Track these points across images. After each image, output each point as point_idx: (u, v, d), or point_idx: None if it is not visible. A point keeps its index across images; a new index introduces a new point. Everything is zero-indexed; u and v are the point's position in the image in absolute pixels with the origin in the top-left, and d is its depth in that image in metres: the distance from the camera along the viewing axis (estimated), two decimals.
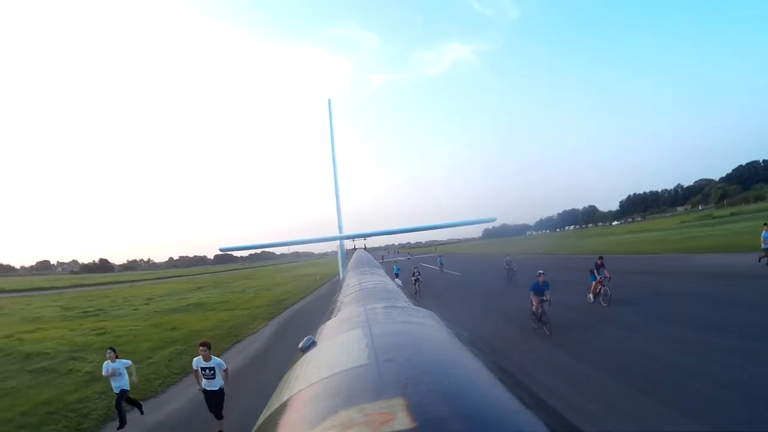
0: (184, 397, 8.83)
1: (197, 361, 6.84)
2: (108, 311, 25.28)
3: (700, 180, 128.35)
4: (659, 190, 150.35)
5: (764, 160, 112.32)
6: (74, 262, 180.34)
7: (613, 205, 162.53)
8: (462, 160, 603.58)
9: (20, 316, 25.86)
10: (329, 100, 8.00)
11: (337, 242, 7.31)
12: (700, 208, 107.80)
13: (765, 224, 16.73)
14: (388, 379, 0.61)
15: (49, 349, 12.94)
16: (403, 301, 1.71)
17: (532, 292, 10.79)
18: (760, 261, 16.56)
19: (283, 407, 0.68)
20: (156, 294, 36.26)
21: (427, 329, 1.05)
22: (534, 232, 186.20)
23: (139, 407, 7.87)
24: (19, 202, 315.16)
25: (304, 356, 1.01)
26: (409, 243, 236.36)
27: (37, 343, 13.80)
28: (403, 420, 0.46)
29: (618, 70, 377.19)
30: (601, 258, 13.13)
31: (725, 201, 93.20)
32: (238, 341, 14.13)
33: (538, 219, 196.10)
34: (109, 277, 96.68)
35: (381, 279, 2.97)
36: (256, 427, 0.72)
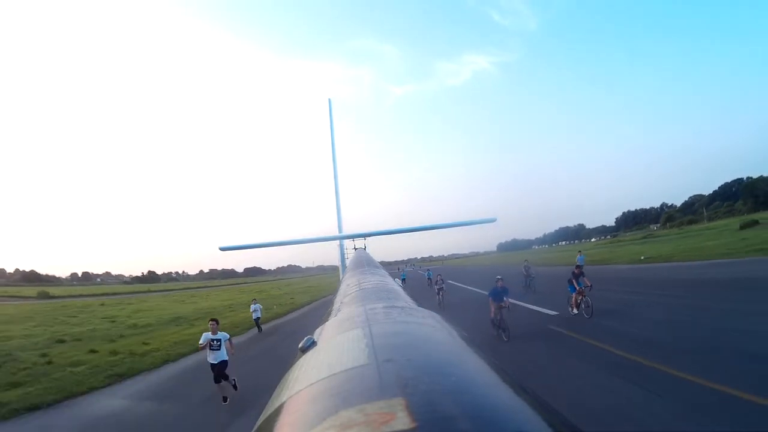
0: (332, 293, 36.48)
1: (206, 336, 8.14)
2: (264, 292, 52.46)
3: (693, 196, 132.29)
4: (648, 207, 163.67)
5: (748, 177, 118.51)
6: (107, 273, 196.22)
7: (611, 220, 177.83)
8: (470, 171, 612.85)
9: (226, 296, 53.84)
10: (329, 100, 8.31)
11: (338, 244, 7.42)
12: (653, 228, 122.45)
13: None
14: (388, 379, 0.61)
15: (284, 294, 41.05)
16: (403, 301, 1.70)
17: (490, 298, 10.92)
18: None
19: (283, 407, 0.69)
20: (270, 287, 62.54)
21: (427, 329, 1.05)
22: (536, 246, 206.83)
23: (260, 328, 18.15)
24: (27, 212, 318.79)
25: (304, 356, 1.02)
26: (431, 256, 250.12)
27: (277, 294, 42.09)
28: (403, 420, 0.46)
29: (630, 81, 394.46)
30: (578, 267, 12.91)
31: (668, 224, 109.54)
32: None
33: (542, 234, 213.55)
34: (190, 284, 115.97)
35: (381, 279, 2.99)
36: (256, 427, 0.72)
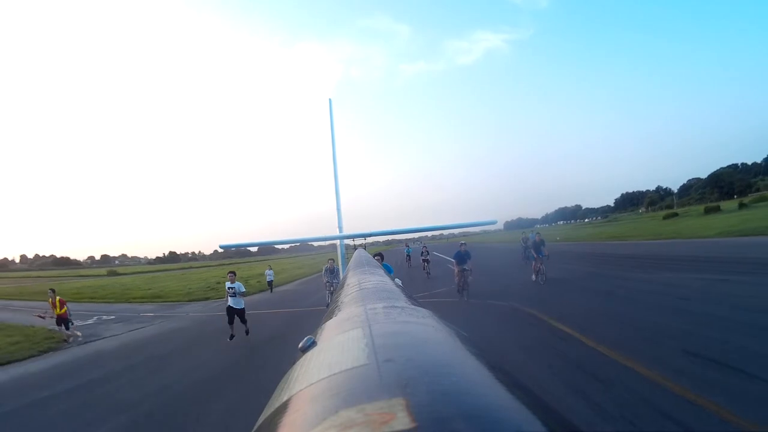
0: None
1: (228, 284, 9.91)
2: (299, 261, 67.02)
3: (691, 179, 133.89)
4: (643, 190, 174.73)
5: (742, 163, 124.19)
6: (124, 255, 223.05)
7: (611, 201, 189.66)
8: (477, 155, 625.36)
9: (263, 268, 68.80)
10: (330, 99, 8.46)
11: (338, 244, 7.86)
12: (641, 211, 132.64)
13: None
14: (388, 379, 0.60)
15: (318, 261, 56.21)
16: (403, 301, 1.60)
17: (454, 261, 11.74)
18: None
19: (283, 407, 0.67)
20: (302, 259, 75.80)
21: (427, 329, 1.00)
22: (539, 225, 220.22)
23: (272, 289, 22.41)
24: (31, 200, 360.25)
25: (304, 356, 0.99)
26: (442, 234, 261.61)
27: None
28: (403, 420, 0.45)
29: (641, 63, 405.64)
30: (538, 234, 14.18)
31: (650, 207, 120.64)
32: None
33: (544, 213, 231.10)
34: (222, 261, 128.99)
35: (381, 279, 2.66)
36: (256, 427, 0.71)
